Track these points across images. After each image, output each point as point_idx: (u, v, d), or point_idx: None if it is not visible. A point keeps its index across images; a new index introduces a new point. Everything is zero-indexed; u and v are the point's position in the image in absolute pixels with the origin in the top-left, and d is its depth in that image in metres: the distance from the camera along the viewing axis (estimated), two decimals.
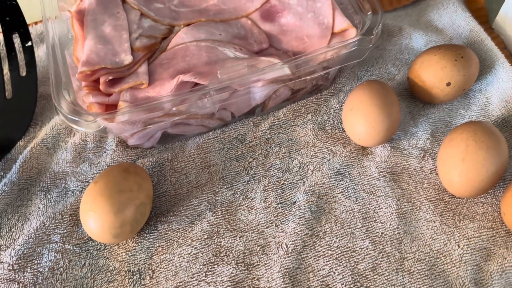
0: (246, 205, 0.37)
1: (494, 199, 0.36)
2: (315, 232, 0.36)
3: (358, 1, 0.38)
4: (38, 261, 0.35)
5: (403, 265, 0.34)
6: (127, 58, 0.36)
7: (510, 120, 0.40)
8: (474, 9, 0.49)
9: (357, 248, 0.35)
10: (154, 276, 0.34)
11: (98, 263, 0.35)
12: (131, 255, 0.35)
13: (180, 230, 0.36)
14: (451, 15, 0.47)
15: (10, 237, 0.36)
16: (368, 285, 0.33)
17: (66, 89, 0.34)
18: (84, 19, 0.38)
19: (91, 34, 0.37)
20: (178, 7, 0.41)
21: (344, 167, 0.38)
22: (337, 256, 0.35)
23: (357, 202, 0.37)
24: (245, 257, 0.35)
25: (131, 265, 0.35)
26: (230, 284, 0.34)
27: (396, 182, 0.38)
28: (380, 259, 0.34)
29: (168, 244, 0.36)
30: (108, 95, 0.35)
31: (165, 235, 0.36)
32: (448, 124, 0.41)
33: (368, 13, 0.37)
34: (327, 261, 0.34)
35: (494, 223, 0.35)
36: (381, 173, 0.38)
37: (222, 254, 0.35)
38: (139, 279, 0.34)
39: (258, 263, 0.35)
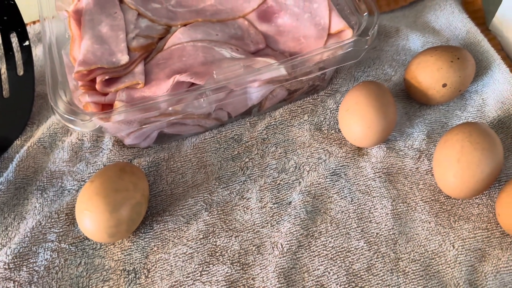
0: (242, 205, 0.37)
1: (489, 200, 0.36)
2: (310, 232, 0.36)
3: (355, 2, 0.38)
4: (34, 260, 0.35)
5: (398, 266, 0.34)
6: (124, 58, 0.36)
7: (506, 122, 0.40)
8: (471, 11, 0.49)
9: (352, 248, 0.35)
10: (149, 276, 0.34)
11: (93, 262, 0.35)
12: (127, 255, 0.35)
13: (176, 229, 0.36)
14: (448, 17, 0.47)
15: (6, 236, 0.37)
16: (362, 285, 0.33)
17: (63, 89, 0.34)
18: (81, 19, 0.38)
19: (88, 34, 0.37)
20: (175, 7, 0.41)
21: (340, 167, 0.39)
22: (332, 256, 0.35)
23: (352, 202, 0.37)
24: (240, 257, 0.35)
25: (126, 264, 0.35)
26: (225, 283, 0.34)
27: (391, 183, 0.38)
28: (375, 260, 0.34)
29: (164, 243, 0.36)
30: (104, 94, 0.36)
31: (161, 235, 0.36)
32: (444, 125, 0.41)
33: (364, 14, 0.37)
34: (322, 261, 0.34)
35: (489, 224, 0.35)
36: (376, 174, 0.38)
37: (217, 254, 0.35)
38: (134, 278, 0.34)
39: (253, 263, 0.35)
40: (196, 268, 0.34)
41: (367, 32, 0.36)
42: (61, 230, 0.36)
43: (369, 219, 0.36)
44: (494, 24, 0.48)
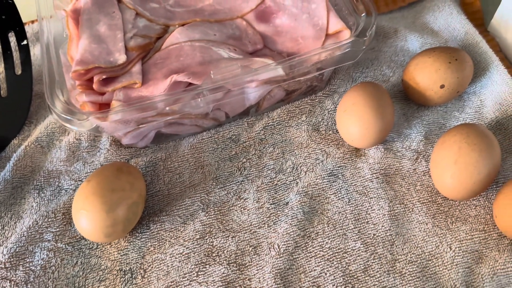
0: (239, 205, 0.37)
1: (486, 202, 0.36)
2: (307, 233, 0.36)
3: (353, 3, 0.38)
4: (30, 260, 0.35)
5: (394, 267, 0.34)
6: (121, 58, 0.36)
7: (503, 123, 0.40)
8: (469, 12, 0.49)
9: (349, 249, 0.35)
10: (145, 276, 0.34)
11: (90, 262, 0.35)
12: (123, 254, 0.35)
13: (173, 229, 0.36)
14: (447, 18, 0.47)
15: (3, 235, 0.36)
16: (359, 286, 0.33)
17: (60, 88, 0.34)
18: (79, 18, 0.38)
19: (86, 33, 0.37)
20: (173, 7, 0.41)
21: (337, 168, 0.38)
22: (329, 257, 0.35)
23: (349, 203, 0.37)
24: (237, 257, 0.35)
25: (123, 264, 0.35)
26: (221, 284, 0.34)
27: (389, 184, 0.38)
28: (372, 261, 0.34)
29: (160, 243, 0.36)
30: (102, 94, 0.36)
31: (158, 235, 0.36)
32: (442, 126, 0.41)
33: (362, 15, 0.37)
34: (318, 262, 0.34)
35: (486, 226, 0.35)
36: (374, 175, 0.38)
37: (214, 254, 0.35)
38: (130, 279, 0.34)
39: (250, 263, 0.35)
40: (192, 269, 0.34)
41: (365, 32, 0.36)
42: (57, 229, 0.36)
43: (366, 220, 0.36)
44: (493, 26, 0.47)
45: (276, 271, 0.34)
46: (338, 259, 0.34)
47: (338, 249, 0.35)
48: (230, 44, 0.39)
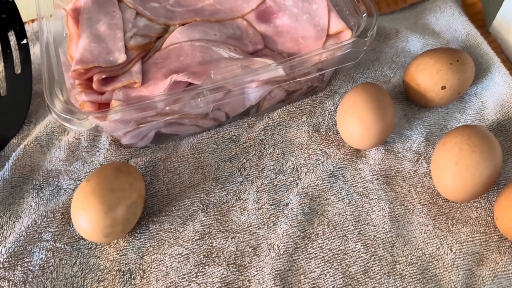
0: (238, 206, 0.37)
1: (487, 204, 0.36)
2: (307, 234, 0.35)
3: (354, 3, 0.38)
4: (29, 259, 0.35)
5: (395, 269, 0.34)
6: (121, 57, 0.36)
7: (505, 125, 0.40)
8: (471, 13, 0.48)
9: (349, 251, 0.35)
10: (144, 276, 0.34)
11: (89, 262, 0.35)
12: (122, 255, 0.35)
13: (172, 230, 0.36)
14: (448, 19, 0.47)
15: (1, 234, 0.36)
16: None
17: (59, 87, 0.34)
18: (79, 17, 0.38)
19: (86, 33, 0.37)
20: (174, 6, 0.41)
21: (337, 169, 0.38)
22: (329, 258, 0.34)
23: (350, 204, 0.37)
24: (236, 258, 0.35)
25: (121, 264, 0.35)
26: (221, 285, 0.34)
27: (389, 185, 0.37)
28: (372, 262, 0.34)
29: (160, 244, 0.36)
30: (101, 93, 0.35)
31: (157, 235, 0.36)
32: (443, 127, 0.40)
33: (363, 15, 0.37)
34: (318, 264, 0.34)
35: (487, 228, 0.35)
36: (374, 176, 0.38)
37: (213, 255, 0.35)
38: (129, 279, 0.34)
39: (250, 264, 0.34)
40: (191, 269, 0.34)
41: (366, 33, 0.36)
42: (56, 229, 0.36)
43: (367, 222, 0.36)
44: (494, 27, 0.47)
45: (276, 272, 0.34)
46: (338, 261, 0.34)
47: (338, 250, 0.35)
48: (231, 44, 0.39)
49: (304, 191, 0.37)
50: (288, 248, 0.35)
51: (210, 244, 0.35)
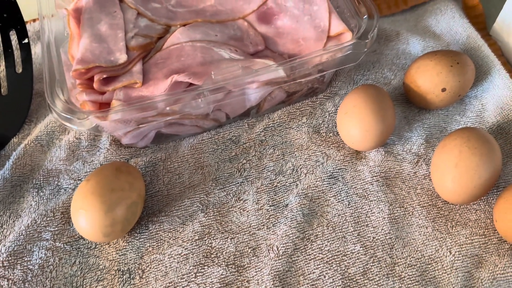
0: (238, 206, 0.37)
1: (487, 206, 0.36)
2: (306, 235, 0.35)
3: (355, 5, 0.38)
4: (28, 258, 0.35)
5: (394, 270, 0.34)
6: (122, 57, 0.36)
7: (505, 127, 0.40)
8: (472, 16, 0.49)
9: (348, 252, 0.35)
10: (144, 276, 0.34)
11: (88, 261, 0.35)
12: (122, 255, 0.35)
13: (171, 230, 0.36)
14: (449, 21, 0.47)
15: (1, 233, 0.36)
16: None
17: (60, 87, 0.34)
18: (80, 17, 0.38)
19: (87, 33, 0.37)
20: (175, 7, 0.41)
21: (337, 170, 0.38)
22: (328, 259, 0.34)
23: (349, 206, 0.37)
24: (235, 259, 0.35)
25: (121, 264, 0.35)
26: (220, 285, 0.34)
27: (389, 187, 0.37)
28: (371, 264, 0.34)
29: (159, 244, 0.36)
30: (102, 93, 0.35)
31: (156, 235, 0.36)
32: (443, 130, 0.40)
33: (364, 17, 0.37)
34: (317, 265, 0.34)
35: (487, 230, 0.35)
36: (374, 178, 0.38)
37: (212, 256, 0.35)
38: (128, 279, 0.34)
39: (249, 265, 0.34)
40: (191, 270, 0.34)
41: (366, 35, 0.36)
42: (56, 228, 0.36)
43: (366, 223, 0.36)
44: (495, 30, 0.47)
45: (275, 273, 0.34)
46: (337, 262, 0.34)
47: (338, 251, 0.35)
48: (231, 45, 0.39)
49: (304, 192, 0.37)
50: (288, 249, 0.35)
51: (210, 245, 0.35)
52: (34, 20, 0.50)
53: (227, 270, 0.34)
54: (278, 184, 0.38)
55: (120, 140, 0.40)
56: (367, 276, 0.34)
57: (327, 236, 0.35)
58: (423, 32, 0.47)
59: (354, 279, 0.34)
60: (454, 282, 0.33)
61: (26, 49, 0.43)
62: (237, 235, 0.36)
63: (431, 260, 0.34)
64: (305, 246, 0.35)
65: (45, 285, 0.34)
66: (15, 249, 0.35)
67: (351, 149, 0.39)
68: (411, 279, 0.33)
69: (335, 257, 0.34)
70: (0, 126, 0.42)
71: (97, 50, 0.36)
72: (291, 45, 0.39)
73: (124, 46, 0.37)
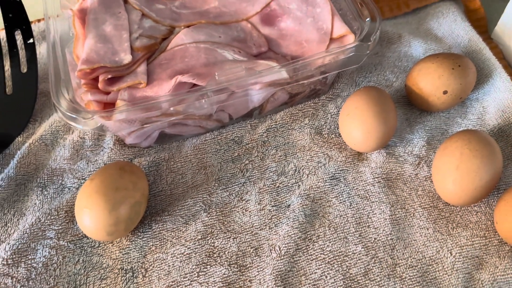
0: (240, 206, 0.37)
1: (487, 208, 0.36)
2: (308, 235, 0.36)
3: (357, 8, 0.39)
4: (32, 257, 0.35)
5: (395, 271, 0.34)
6: (127, 58, 0.36)
7: (506, 130, 0.40)
8: (473, 19, 0.49)
9: (350, 253, 0.35)
10: (146, 275, 0.35)
11: (91, 260, 0.35)
12: (125, 253, 0.35)
13: (174, 230, 0.36)
14: (451, 24, 0.48)
15: (5, 232, 0.37)
16: None
17: (65, 87, 0.34)
18: (85, 18, 0.39)
19: (92, 33, 0.37)
20: (179, 8, 0.41)
21: (339, 172, 0.39)
22: (330, 260, 0.35)
23: (351, 207, 0.37)
24: (238, 259, 0.35)
25: (124, 263, 0.35)
26: (222, 285, 0.34)
27: (390, 188, 0.38)
28: (372, 265, 0.34)
29: (162, 243, 0.36)
30: (107, 93, 0.36)
31: (159, 235, 0.36)
32: (444, 132, 0.41)
33: (366, 20, 0.38)
34: (319, 265, 0.34)
35: (487, 232, 0.35)
36: (376, 179, 0.38)
37: (215, 255, 0.35)
38: (131, 277, 0.35)
39: (251, 265, 0.35)
40: (193, 269, 0.35)
41: (369, 37, 0.36)
42: (60, 227, 0.36)
43: (367, 224, 0.36)
44: (496, 33, 0.48)
45: (277, 273, 0.34)
46: (339, 262, 0.35)
47: (339, 252, 0.35)
48: (235, 46, 0.39)
49: (306, 193, 0.37)
50: (289, 249, 0.35)
51: (212, 244, 0.36)
52: (39, 20, 0.50)
53: (230, 269, 0.34)
54: (280, 185, 0.38)
55: (124, 140, 0.40)
56: (368, 276, 0.34)
57: (329, 237, 0.36)
58: (425, 35, 0.48)
59: (356, 280, 0.34)
60: (454, 283, 0.33)
61: (31, 49, 0.44)
62: (240, 235, 0.36)
63: (432, 261, 0.34)
64: (307, 247, 0.35)
65: (48, 283, 0.34)
66: (19, 247, 0.35)
67: (353, 151, 0.40)
68: (412, 280, 0.34)
69: (337, 257, 0.35)
70: (5, 125, 0.42)
71: (102, 50, 0.36)
72: (294, 47, 0.40)
73: (129, 46, 0.37)
